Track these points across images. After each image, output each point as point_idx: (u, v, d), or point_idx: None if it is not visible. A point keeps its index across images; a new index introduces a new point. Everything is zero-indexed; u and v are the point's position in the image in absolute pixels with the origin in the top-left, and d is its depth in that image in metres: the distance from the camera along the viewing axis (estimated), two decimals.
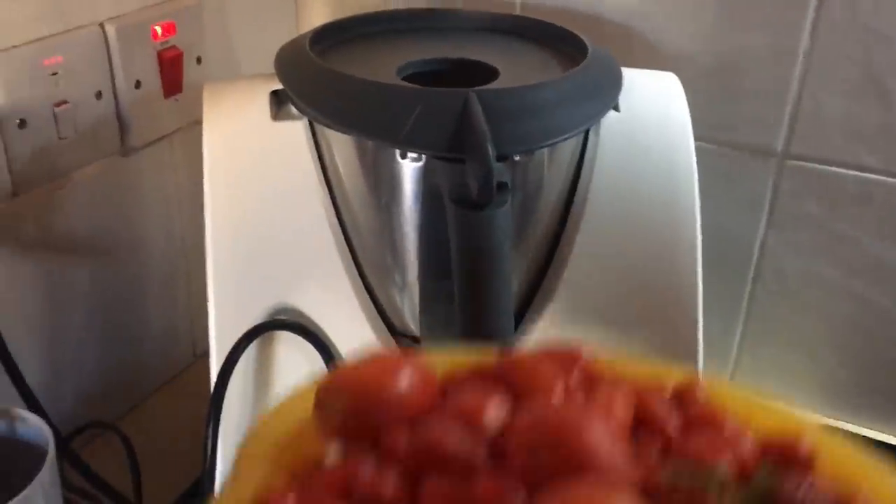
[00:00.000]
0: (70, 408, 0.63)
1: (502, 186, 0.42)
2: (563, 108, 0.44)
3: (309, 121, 0.50)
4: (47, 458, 0.41)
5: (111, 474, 0.58)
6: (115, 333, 0.66)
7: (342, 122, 0.45)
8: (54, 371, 0.62)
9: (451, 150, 0.41)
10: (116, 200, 0.64)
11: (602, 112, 0.46)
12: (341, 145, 0.48)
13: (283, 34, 0.63)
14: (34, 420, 0.44)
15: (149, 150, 0.66)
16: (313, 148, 0.50)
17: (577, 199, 0.51)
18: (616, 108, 0.50)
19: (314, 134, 0.50)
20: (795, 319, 0.70)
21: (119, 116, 0.62)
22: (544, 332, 0.51)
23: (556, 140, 0.43)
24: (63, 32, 0.56)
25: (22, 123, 0.54)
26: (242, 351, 0.47)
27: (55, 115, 0.56)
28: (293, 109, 0.50)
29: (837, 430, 0.27)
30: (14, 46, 0.53)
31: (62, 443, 0.55)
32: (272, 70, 0.50)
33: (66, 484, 0.54)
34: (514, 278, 0.50)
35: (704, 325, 0.52)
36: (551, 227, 0.51)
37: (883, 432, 0.70)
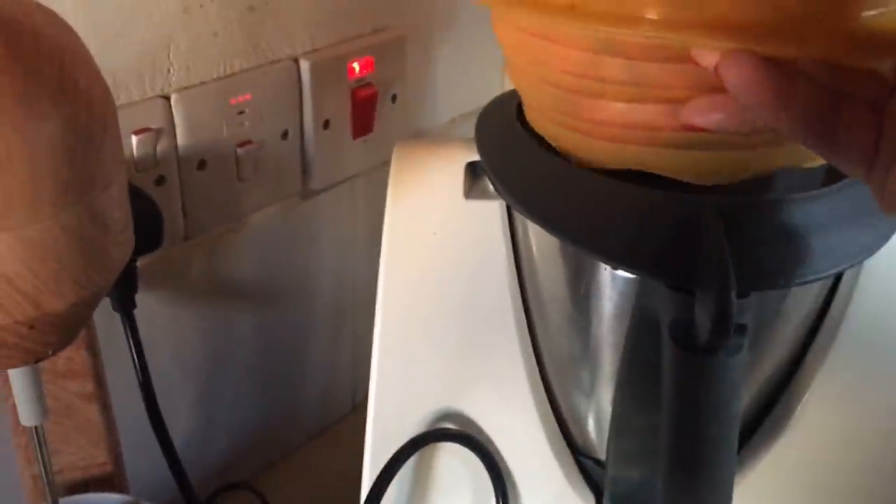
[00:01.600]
0: (215, 462, 0.60)
1: (740, 328, 0.33)
2: (833, 233, 0.35)
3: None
4: None
5: None
6: (272, 384, 0.63)
7: (544, 218, 0.38)
8: (206, 422, 0.59)
9: (678, 276, 0.34)
10: (290, 245, 0.61)
11: (883, 239, 0.36)
12: (541, 238, 0.42)
13: (488, 74, 0.57)
14: None
15: (330, 194, 0.62)
16: (507, 234, 0.44)
17: (822, 334, 0.42)
18: None
19: (511, 218, 0.44)
20: None
21: (303, 158, 0.58)
22: (756, 492, 0.43)
23: (821, 276, 0.35)
24: (255, 68, 0.53)
25: (201, 165, 0.51)
26: (401, 465, 0.42)
27: (237, 157, 0.53)
28: (490, 186, 0.44)
29: None
30: (202, 83, 0.50)
31: None
32: (470, 111, 0.44)
33: None
34: None
35: None
36: (781, 364, 0.42)
37: None
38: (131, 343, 0.48)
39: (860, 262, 0.40)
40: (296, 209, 0.60)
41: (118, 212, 0.25)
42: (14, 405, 0.32)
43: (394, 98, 0.63)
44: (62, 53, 0.24)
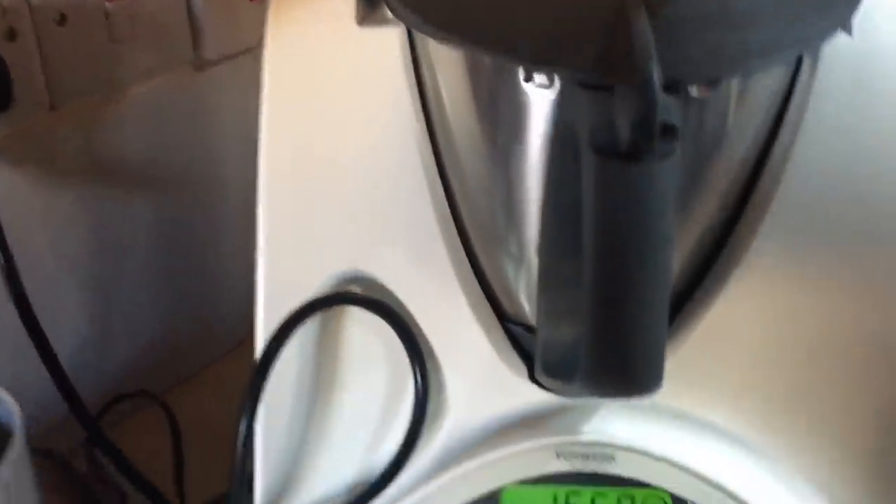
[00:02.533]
0: (115, 377, 0.55)
1: (669, 130, 0.29)
2: (772, 20, 0.30)
3: (407, 29, 0.39)
4: (12, 445, 0.33)
5: (146, 460, 0.50)
6: (179, 288, 0.58)
7: (446, 28, 0.33)
8: (101, 330, 0.54)
9: (594, 71, 0.29)
10: (186, 123, 0.55)
11: (828, 31, 0.32)
12: (447, 63, 0.37)
13: None
14: (3, 396, 0.36)
15: (228, 65, 0.56)
16: (410, 66, 0.39)
17: (774, 153, 0.38)
18: (848, 31, 0.36)
19: (413, 47, 0.39)
20: None
21: (192, 20, 0.53)
22: (706, 341, 0.39)
23: (755, 63, 0.30)
24: None
25: (62, 20, 0.46)
26: (292, 330, 0.37)
27: (106, 12, 0.47)
28: (387, 12, 0.39)
29: None
30: None
31: (90, 421, 0.47)
32: None
33: (92, 468, 0.46)
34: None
35: None
36: (731, 189, 0.38)
37: None
38: None
39: (801, 51, 0.35)
40: (189, 81, 0.54)
41: None
42: None
43: None
44: None
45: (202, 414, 0.56)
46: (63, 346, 0.46)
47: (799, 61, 0.37)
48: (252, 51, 0.57)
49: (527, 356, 0.42)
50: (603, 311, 0.30)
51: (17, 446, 0.33)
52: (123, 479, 0.48)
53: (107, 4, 0.47)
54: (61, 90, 0.47)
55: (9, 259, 0.43)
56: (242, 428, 0.36)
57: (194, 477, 0.52)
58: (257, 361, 0.37)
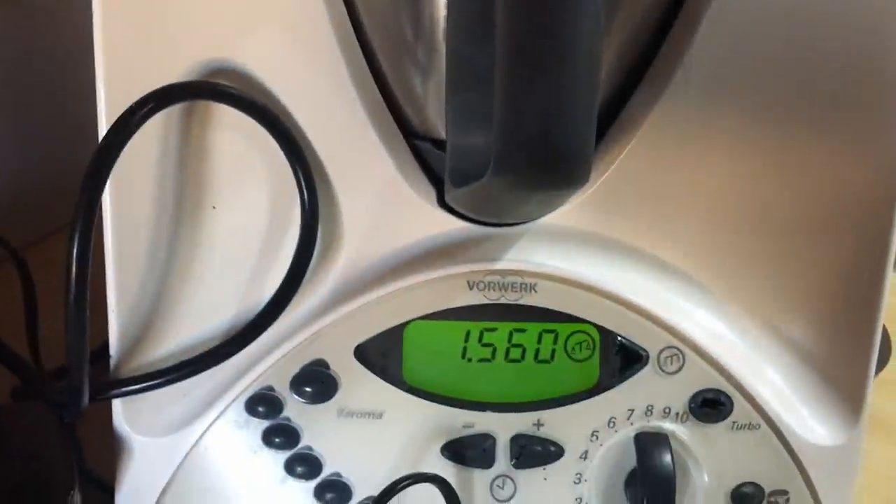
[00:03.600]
0: None
1: None
2: None
3: None
4: None
5: None
6: (31, 124, 0.51)
7: None
8: None
9: None
10: None
11: None
12: None
13: None
14: None
15: None
16: None
17: None
18: None
19: None
20: None
21: None
22: (634, 165, 0.34)
23: None
24: None
25: None
26: (138, 124, 0.31)
27: None
28: None
29: None
30: None
31: None
32: None
33: None
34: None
35: None
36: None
37: None
38: None
39: None
40: None
41: None
42: None
43: None
44: None
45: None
46: None
47: None
48: None
49: (436, 179, 0.37)
50: (519, 66, 0.25)
51: None
52: None
53: None
54: None
55: None
56: (74, 249, 0.30)
57: (53, 342, 0.46)
58: (90, 164, 0.30)
